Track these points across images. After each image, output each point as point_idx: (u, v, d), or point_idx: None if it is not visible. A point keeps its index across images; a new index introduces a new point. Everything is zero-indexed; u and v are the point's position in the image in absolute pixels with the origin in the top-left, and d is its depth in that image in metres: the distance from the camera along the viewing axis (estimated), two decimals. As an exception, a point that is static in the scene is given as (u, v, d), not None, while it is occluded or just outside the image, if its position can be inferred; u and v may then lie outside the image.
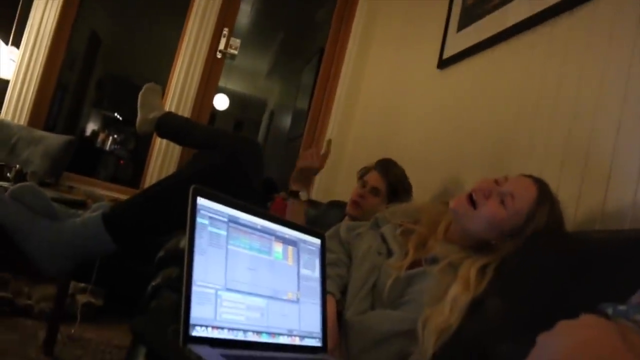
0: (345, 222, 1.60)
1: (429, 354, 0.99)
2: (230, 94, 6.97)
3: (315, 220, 2.51)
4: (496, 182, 1.23)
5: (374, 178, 2.02)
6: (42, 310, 2.29)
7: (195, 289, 0.81)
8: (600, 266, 0.93)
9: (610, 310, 0.64)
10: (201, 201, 0.87)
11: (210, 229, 0.87)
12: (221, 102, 6.90)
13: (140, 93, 2.09)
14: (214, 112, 7.18)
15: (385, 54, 3.20)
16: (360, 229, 1.46)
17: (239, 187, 1.64)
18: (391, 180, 1.99)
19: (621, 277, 0.85)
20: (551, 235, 1.15)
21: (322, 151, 2.12)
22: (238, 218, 0.93)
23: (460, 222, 1.24)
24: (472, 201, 1.21)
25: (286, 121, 5.78)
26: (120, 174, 6.23)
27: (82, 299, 2.31)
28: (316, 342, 1.02)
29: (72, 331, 2.13)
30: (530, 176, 1.23)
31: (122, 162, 6.68)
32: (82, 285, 2.38)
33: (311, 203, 2.85)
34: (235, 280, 0.88)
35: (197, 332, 0.80)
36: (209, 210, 0.88)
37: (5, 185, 1.74)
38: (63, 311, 2.07)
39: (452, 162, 2.03)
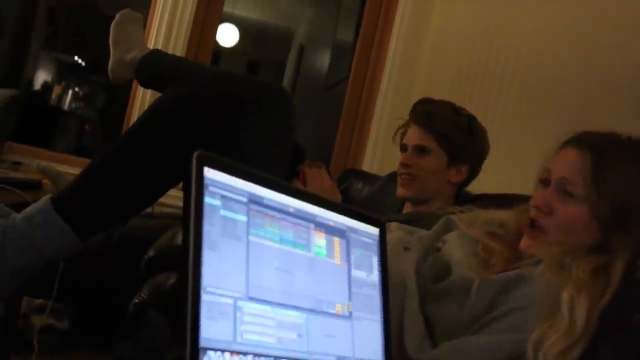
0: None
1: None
2: (240, 24, 6.94)
3: (371, 200, 2.52)
4: (543, 183, 1.30)
5: (413, 135, 2.02)
6: (-16, 337, 2.38)
7: (205, 297, 0.83)
8: None
9: None
10: (210, 173, 0.88)
11: (223, 212, 0.88)
12: (228, 35, 6.87)
13: (113, 24, 2.11)
14: (219, 50, 7.18)
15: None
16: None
17: (258, 151, 1.64)
18: (439, 127, 1.98)
19: None
20: None
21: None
22: (262, 197, 0.95)
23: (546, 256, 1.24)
24: (539, 228, 1.26)
25: (322, 60, 5.76)
26: (86, 143, 6.32)
27: (40, 321, 2.38)
28: (378, 375, 1.03)
29: (28, 366, 2.21)
30: (570, 140, 1.28)
31: (86, 128, 6.77)
32: (39, 301, 2.44)
33: (361, 177, 2.86)
34: (260, 286, 0.90)
35: (209, 358, 0.82)
36: (222, 187, 0.89)
37: None
38: (13, 337, 2.14)
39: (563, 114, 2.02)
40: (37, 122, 5.15)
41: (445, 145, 1.97)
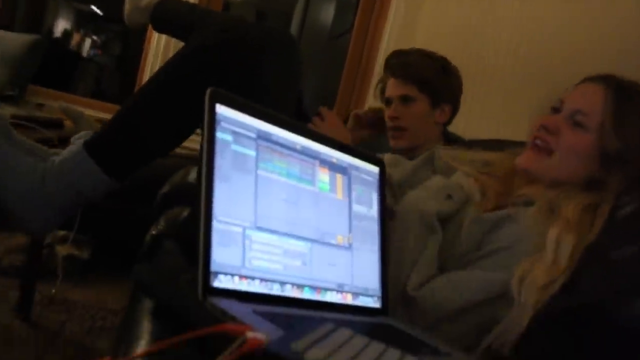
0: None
1: (527, 318, 1.01)
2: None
3: (371, 146, 2.53)
4: (554, 110, 1.27)
5: (393, 87, 2.00)
6: (12, 265, 2.40)
7: (216, 225, 0.84)
8: None
9: None
10: (221, 109, 0.89)
11: (234, 147, 0.89)
12: (236, -13, 6.82)
13: (128, -29, 2.09)
14: (228, 2, 7.11)
15: None
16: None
17: (267, 97, 1.64)
18: (416, 74, 1.96)
19: None
20: None
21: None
22: (271, 134, 0.95)
23: (543, 179, 1.24)
24: (541, 149, 1.24)
25: (327, 11, 5.70)
26: (104, 87, 6.30)
27: (63, 250, 2.41)
28: (373, 302, 1.05)
29: (53, 291, 2.23)
30: (594, 78, 1.26)
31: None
32: (62, 233, 2.46)
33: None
34: (268, 216, 0.91)
35: (220, 282, 0.82)
36: (233, 123, 0.90)
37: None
38: (40, 265, 2.16)
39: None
40: (58, 68, 5.12)
41: (426, 90, 1.96)
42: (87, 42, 6.85)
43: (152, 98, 1.51)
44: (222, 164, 0.87)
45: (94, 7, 7.41)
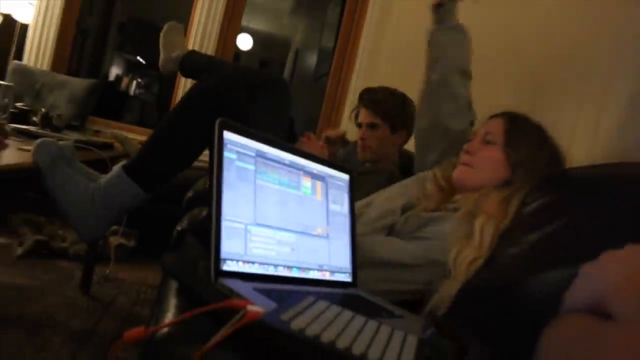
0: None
1: (457, 288, 0.99)
2: (254, 34, 6.86)
3: (343, 160, 2.51)
4: (473, 138, 1.33)
5: (363, 115, 2.03)
6: (77, 253, 2.37)
7: (225, 223, 0.82)
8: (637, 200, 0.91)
9: None
10: (228, 135, 0.86)
11: (237, 163, 0.87)
12: (245, 42, 6.81)
13: (162, 32, 2.07)
14: (238, 53, 7.11)
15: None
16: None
17: (263, 125, 1.63)
18: (381, 108, 1.98)
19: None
20: (584, 168, 1.14)
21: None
22: (266, 153, 0.92)
23: (472, 185, 1.25)
24: (466, 165, 1.28)
25: (311, 60, 5.71)
26: (146, 118, 6.26)
27: (114, 241, 2.37)
28: (346, 277, 1.02)
29: (107, 272, 2.20)
30: (497, 114, 1.32)
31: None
32: (114, 227, 2.43)
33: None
34: (264, 215, 0.89)
35: (228, 266, 0.80)
36: (236, 145, 0.87)
37: (35, 131, 1.76)
38: (97, 253, 2.13)
39: (487, 98, 1.98)
40: (111, 103, 5.08)
41: (388, 120, 1.98)
42: (134, 84, 6.83)
43: (171, 127, 1.49)
44: (228, 176, 0.84)
45: (139, 58, 7.39)
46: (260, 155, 0.91)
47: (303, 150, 1.02)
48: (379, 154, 2.00)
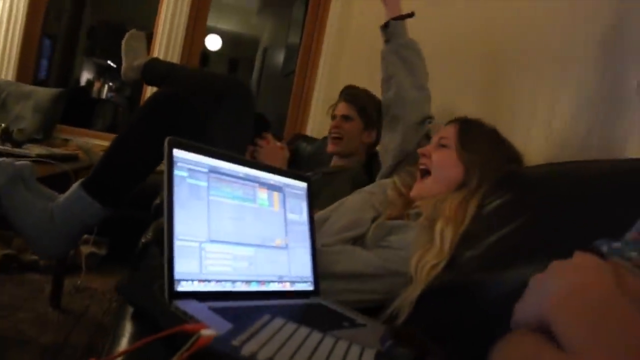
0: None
1: (418, 292, 0.98)
2: (222, 34, 6.80)
3: (311, 157, 2.48)
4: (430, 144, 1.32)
5: (340, 108, 2.03)
6: (48, 265, 2.31)
7: (177, 243, 0.79)
8: (597, 198, 0.90)
9: (605, 248, 0.60)
10: (178, 153, 0.83)
11: (189, 181, 0.84)
12: (213, 42, 6.77)
13: (123, 41, 2.02)
14: (207, 53, 7.04)
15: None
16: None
17: (229, 129, 1.59)
18: (359, 103, 1.99)
19: (620, 210, 0.81)
20: (540, 167, 1.13)
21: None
22: (219, 168, 0.89)
23: (432, 195, 1.21)
24: (423, 172, 1.27)
25: (279, 57, 5.65)
26: (119, 122, 6.15)
27: (85, 250, 2.32)
28: (308, 286, 1.00)
29: (78, 282, 2.15)
30: (451, 120, 1.31)
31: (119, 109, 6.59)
32: (85, 236, 2.38)
33: (305, 139, 2.82)
34: (219, 231, 0.86)
35: (182, 287, 0.78)
36: (187, 162, 0.84)
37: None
38: (68, 263, 2.08)
39: (447, 92, 1.97)
40: (83, 110, 4.97)
41: (363, 115, 1.97)
42: (105, 88, 6.72)
43: (129, 140, 1.45)
44: (179, 195, 0.81)
45: (109, 62, 7.28)
46: (213, 170, 0.88)
47: (259, 161, 0.99)
48: (347, 148, 1.98)
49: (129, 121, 1.52)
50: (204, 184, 0.86)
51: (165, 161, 0.82)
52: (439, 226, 1.05)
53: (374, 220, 1.23)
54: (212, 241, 0.84)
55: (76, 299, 2.07)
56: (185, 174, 0.83)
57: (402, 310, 0.98)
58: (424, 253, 1.03)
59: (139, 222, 1.87)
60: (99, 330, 1.84)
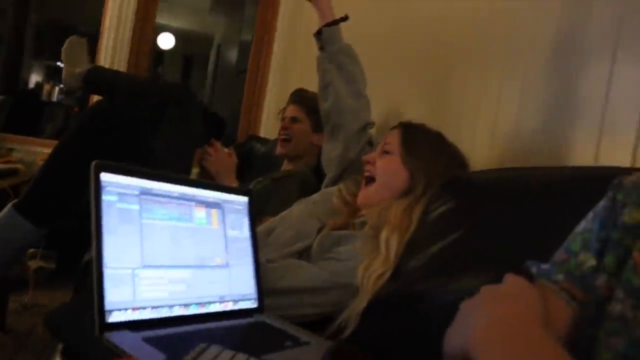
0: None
1: (365, 302, 0.97)
2: (175, 32, 6.68)
3: (265, 155, 2.46)
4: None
5: (290, 110, 2.01)
6: (-7, 282, 2.22)
7: (107, 272, 0.76)
8: (541, 207, 0.90)
9: (534, 269, 0.61)
10: (106, 177, 0.80)
11: (119, 205, 0.80)
12: (166, 41, 6.65)
13: (63, 48, 1.94)
14: (161, 52, 6.91)
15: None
16: None
17: (174, 137, 1.55)
18: (307, 104, 1.96)
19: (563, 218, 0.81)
20: (485, 172, 1.13)
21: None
22: (151, 189, 0.86)
23: (377, 201, 1.19)
24: (367, 179, 1.24)
25: (233, 54, 5.59)
26: (69, 126, 5.98)
27: (33, 264, 2.23)
28: (251, 304, 0.98)
29: (26, 300, 2.07)
30: (395, 126, 1.28)
31: (76, 109, 6.40)
32: (32, 250, 2.28)
33: (259, 140, 2.79)
34: (153, 255, 0.83)
35: (114, 317, 0.75)
36: (116, 185, 0.81)
37: None
38: (14, 280, 1.99)
39: (393, 95, 1.96)
40: (30, 115, 4.79)
41: (312, 116, 1.93)
42: (56, 90, 6.52)
43: (61, 157, 1.39)
44: (108, 221, 0.78)
45: (59, 63, 7.05)
46: (144, 192, 0.85)
47: (196, 178, 0.96)
48: (296, 150, 1.95)
49: (62, 137, 1.46)
50: (135, 207, 0.82)
51: (92, 186, 0.78)
52: (384, 234, 1.04)
53: (319, 231, 1.21)
54: (146, 266, 0.81)
55: (23, 318, 1.99)
56: (114, 198, 0.80)
57: (349, 322, 0.97)
58: (370, 262, 1.01)
59: (89, 233, 1.81)
60: (46, 351, 1.78)
